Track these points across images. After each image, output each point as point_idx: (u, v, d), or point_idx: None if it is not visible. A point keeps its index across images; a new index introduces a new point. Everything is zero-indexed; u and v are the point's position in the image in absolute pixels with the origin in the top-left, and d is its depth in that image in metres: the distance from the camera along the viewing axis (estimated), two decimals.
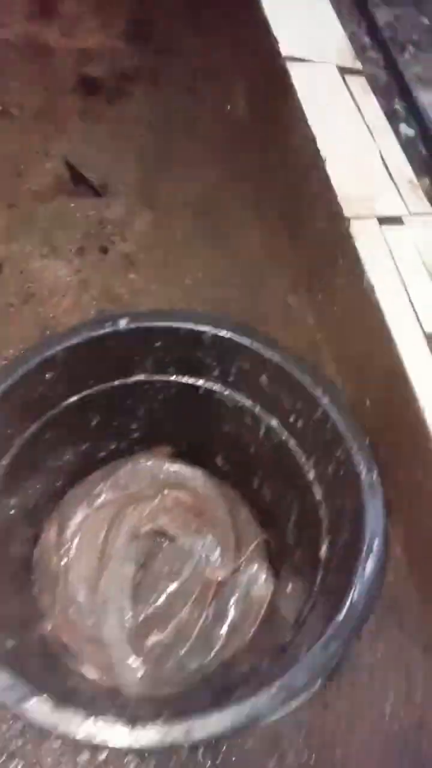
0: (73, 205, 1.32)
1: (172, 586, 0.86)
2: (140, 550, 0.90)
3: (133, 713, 0.57)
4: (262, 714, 0.53)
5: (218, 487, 0.95)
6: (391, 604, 0.97)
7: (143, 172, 1.39)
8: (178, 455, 0.97)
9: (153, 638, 0.84)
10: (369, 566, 0.58)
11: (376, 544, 0.59)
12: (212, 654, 0.84)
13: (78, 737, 0.49)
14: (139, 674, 0.80)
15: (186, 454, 0.97)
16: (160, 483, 0.95)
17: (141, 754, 0.84)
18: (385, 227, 1.06)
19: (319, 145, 1.10)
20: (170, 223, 1.33)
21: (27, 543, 0.90)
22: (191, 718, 0.52)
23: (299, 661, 0.54)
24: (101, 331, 0.71)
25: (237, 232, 1.34)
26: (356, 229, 1.04)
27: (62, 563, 0.87)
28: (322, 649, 0.55)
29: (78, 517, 0.90)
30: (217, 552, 0.89)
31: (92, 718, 0.51)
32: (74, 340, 0.70)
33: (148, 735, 0.51)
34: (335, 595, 0.60)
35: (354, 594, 0.57)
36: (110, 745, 0.49)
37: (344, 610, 0.57)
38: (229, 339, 0.71)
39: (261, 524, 0.94)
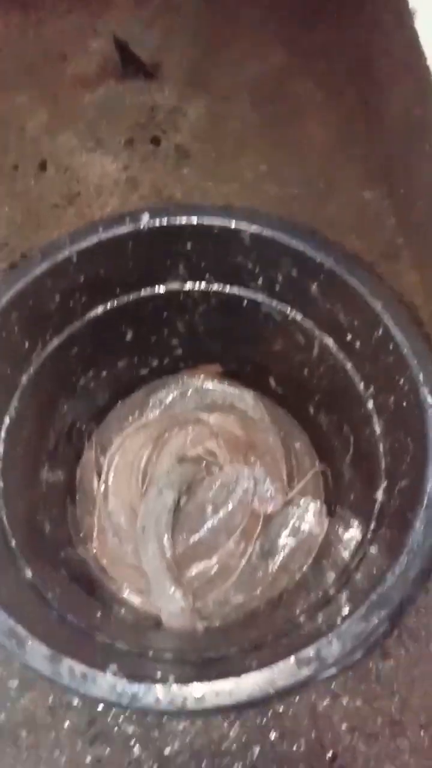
0: (122, 89, 1.17)
1: (217, 517, 0.79)
2: (183, 476, 0.83)
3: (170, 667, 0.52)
4: (291, 687, 0.45)
5: (271, 412, 0.85)
6: None
7: (199, 50, 1.21)
8: (228, 375, 0.87)
9: (194, 569, 0.78)
10: (428, 527, 0.47)
11: None
12: (258, 591, 0.77)
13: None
14: (180, 606, 0.75)
15: (236, 374, 0.87)
16: (207, 404, 0.86)
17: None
18: None
19: None
20: (229, 110, 1.16)
21: (69, 465, 0.85)
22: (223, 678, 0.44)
23: (334, 631, 0.45)
24: (120, 231, 0.60)
25: (305, 120, 1.15)
26: None
27: (102, 485, 0.82)
28: (360, 620, 0.45)
29: (119, 438, 0.84)
30: (267, 482, 0.80)
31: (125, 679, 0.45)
32: (89, 241, 0.59)
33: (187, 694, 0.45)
34: (387, 551, 0.50)
35: (406, 558, 0.46)
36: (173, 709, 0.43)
37: (394, 576, 0.46)
38: (271, 238, 0.58)
39: (318, 454, 0.84)
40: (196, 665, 0.51)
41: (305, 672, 0.45)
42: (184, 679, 0.46)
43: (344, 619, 0.46)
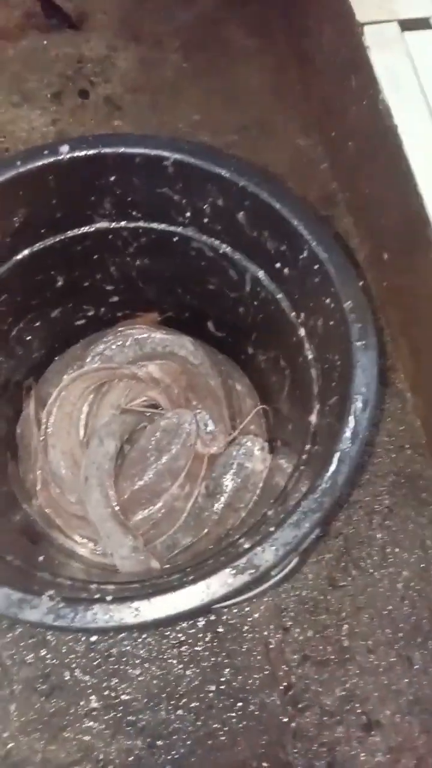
0: (46, 42, 1.14)
1: (161, 462, 0.79)
2: (125, 425, 0.82)
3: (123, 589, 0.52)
4: (226, 595, 0.46)
5: (211, 357, 0.85)
6: (405, 480, 0.89)
7: None
8: (166, 322, 0.87)
9: (140, 515, 0.78)
10: (355, 433, 0.48)
11: (364, 408, 0.48)
12: (205, 531, 0.78)
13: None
14: (130, 547, 0.75)
15: (174, 320, 0.86)
16: (146, 353, 0.85)
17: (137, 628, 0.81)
18: (407, 33, 0.86)
19: None
20: (160, 59, 1.14)
21: (9, 421, 0.83)
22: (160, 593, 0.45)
23: (267, 539, 0.46)
24: (39, 162, 0.58)
25: (238, 68, 1.15)
26: (371, 37, 0.85)
27: (41, 438, 0.80)
28: (293, 526, 0.46)
29: (58, 391, 0.82)
30: (210, 424, 0.81)
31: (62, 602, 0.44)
32: (7, 175, 0.57)
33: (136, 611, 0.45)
34: (318, 466, 0.50)
35: (336, 465, 0.47)
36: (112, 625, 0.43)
37: (323, 483, 0.47)
38: (195, 165, 0.58)
39: (258, 394, 0.85)
40: (137, 590, 0.51)
41: (241, 579, 0.45)
42: (120, 599, 0.46)
43: (276, 528, 0.46)
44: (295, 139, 1.09)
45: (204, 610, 0.45)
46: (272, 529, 0.47)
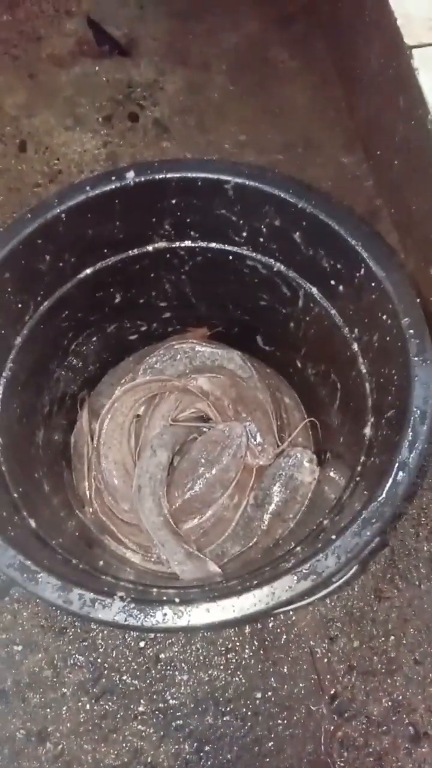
0: (97, 68, 1.19)
1: (211, 472, 0.81)
2: (176, 436, 0.85)
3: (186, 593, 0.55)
4: (291, 599, 0.47)
5: (259, 370, 0.87)
6: None
7: (174, 24, 1.23)
8: (216, 337, 0.89)
9: (190, 523, 0.80)
10: (413, 444, 0.49)
11: (422, 421, 0.50)
12: (254, 541, 0.80)
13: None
14: (179, 557, 0.77)
15: (224, 335, 0.89)
16: (197, 367, 0.88)
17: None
18: None
19: None
20: (206, 82, 1.18)
21: (65, 432, 0.86)
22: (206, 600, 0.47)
23: (329, 547, 0.48)
24: (107, 187, 0.61)
25: (282, 88, 1.18)
26: (419, 59, 0.86)
27: (94, 449, 0.83)
28: (354, 535, 0.48)
29: (110, 403, 0.85)
30: (258, 436, 0.83)
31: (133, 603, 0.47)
32: (76, 199, 0.61)
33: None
34: (377, 477, 0.52)
35: (394, 476, 0.49)
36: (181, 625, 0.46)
37: (384, 492, 0.49)
38: (254, 187, 0.61)
39: (306, 408, 0.87)
40: (200, 593, 0.54)
41: (303, 585, 0.47)
42: (188, 601, 0.48)
43: (338, 535, 0.48)
44: (339, 156, 1.12)
45: (268, 613, 0.47)
46: (333, 536, 0.49)
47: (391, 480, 0.49)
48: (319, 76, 1.18)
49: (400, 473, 0.50)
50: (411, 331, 0.54)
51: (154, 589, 0.58)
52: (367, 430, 0.61)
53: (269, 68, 1.20)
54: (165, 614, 0.47)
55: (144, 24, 1.22)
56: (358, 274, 0.59)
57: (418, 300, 0.55)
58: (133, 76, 1.18)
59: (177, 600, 0.48)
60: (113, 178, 0.62)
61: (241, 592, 0.48)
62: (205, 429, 0.86)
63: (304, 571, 0.48)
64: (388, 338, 0.57)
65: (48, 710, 0.81)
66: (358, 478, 0.59)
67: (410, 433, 0.50)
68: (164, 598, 0.49)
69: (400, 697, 0.80)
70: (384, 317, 0.57)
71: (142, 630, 0.46)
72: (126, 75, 1.18)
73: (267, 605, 0.47)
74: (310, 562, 0.48)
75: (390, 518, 0.49)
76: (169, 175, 0.62)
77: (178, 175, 0.62)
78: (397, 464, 0.50)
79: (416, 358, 0.53)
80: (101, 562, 0.66)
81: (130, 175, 0.61)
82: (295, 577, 0.47)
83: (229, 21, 1.22)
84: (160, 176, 0.62)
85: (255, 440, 0.83)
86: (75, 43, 1.21)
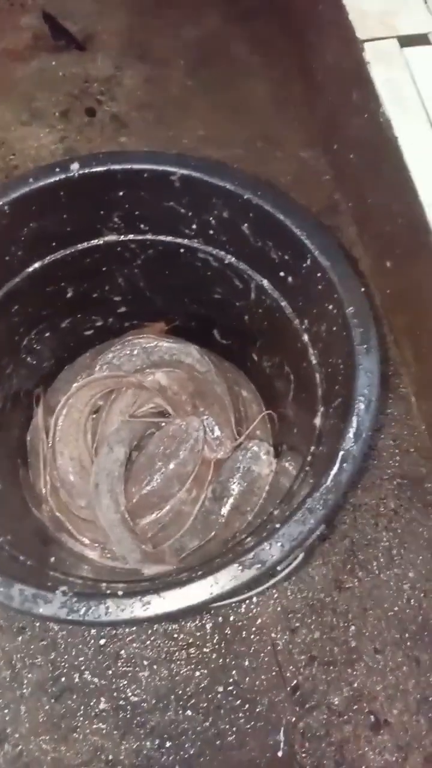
0: (54, 63, 1.17)
1: (169, 467, 0.81)
2: (133, 432, 0.84)
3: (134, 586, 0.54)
4: (235, 589, 0.47)
5: (217, 364, 0.87)
6: (410, 483, 0.90)
7: (132, 18, 1.22)
8: (173, 332, 0.89)
9: (148, 518, 0.80)
10: (358, 433, 0.50)
11: (367, 409, 0.50)
12: (212, 533, 0.80)
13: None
14: (136, 555, 0.76)
15: (181, 329, 0.88)
16: (154, 361, 0.87)
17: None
18: (407, 49, 0.88)
19: None
20: (165, 77, 1.18)
21: (20, 429, 0.85)
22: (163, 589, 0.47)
23: (273, 535, 0.48)
24: (51, 179, 0.61)
25: (241, 83, 1.18)
26: (371, 53, 0.87)
27: (50, 446, 0.82)
28: (298, 523, 0.48)
29: (65, 399, 0.84)
30: (216, 430, 0.83)
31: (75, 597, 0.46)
32: (20, 191, 0.60)
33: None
34: (323, 466, 0.52)
35: (339, 464, 0.49)
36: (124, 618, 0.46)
37: (328, 481, 0.49)
38: (200, 179, 0.60)
39: (264, 400, 0.87)
40: (147, 586, 0.53)
41: (248, 574, 0.47)
42: (131, 594, 0.47)
43: (282, 524, 0.48)
44: (299, 151, 1.12)
45: (212, 603, 0.47)
46: (278, 525, 0.49)
47: (335, 468, 0.50)
48: (280, 72, 1.18)
49: (345, 462, 0.50)
50: (355, 320, 0.54)
51: (104, 584, 0.57)
52: (317, 420, 0.61)
53: (230, 63, 1.20)
54: (108, 608, 0.46)
55: (101, 18, 1.21)
56: (304, 265, 0.59)
57: (363, 289, 0.55)
58: (90, 70, 1.17)
59: (120, 593, 0.47)
60: (57, 169, 0.61)
61: (185, 584, 0.47)
62: (162, 424, 0.86)
63: (248, 560, 0.48)
64: (334, 328, 0.57)
65: (6, 711, 0.80)
66: (307, 468, 0.59)
67: (354, 422, 0.51)
68: (108, 591, 0.49)
69: (361, 686, 0.81)
70: (330, 307, 0.57)
71: (85, 624, 0.46)
72: (83, 70, 1.17)
73: (211, 595, 0.46)
74: (254, 551, 0.48)
75: (334, 506, 0.49)
76: (114, 167, 0.61)
77: (123, 166, 0.61)
78: (342, 453, 0.50)
79: (360, 347, 0.53)
80: (53, 559, 0.66)
81: (75, 167, 0.61)
82: (240, 567, 0.47)
83: (189, 15, 1.22)
84: (105, 168, 0.61)
85: (213, 434, 0.83)
86: (31, 37, 1.19)
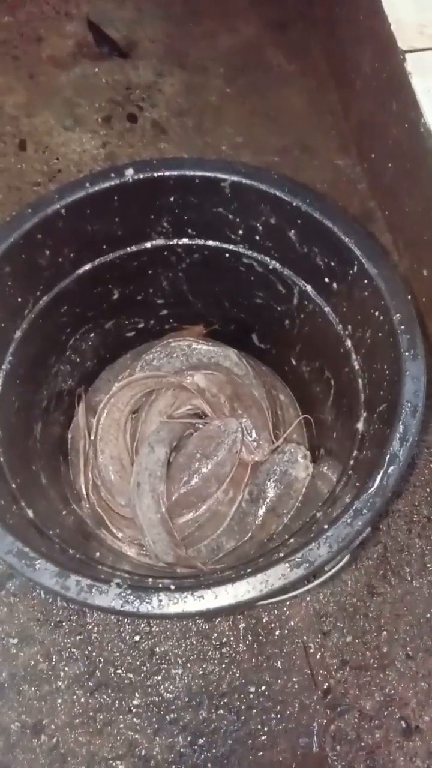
0: (97, 69, 1.20)
1: (207, 467, 0.82)
2: (173, 432, 0.86)
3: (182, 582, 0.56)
4: (284, 587, 0.48)
5: (255, 367, 0.89)
6: None
7: (172, 26, 1.24)
8: (212, 335, 0.90)
9: (185, 517, 0.81)
10: (404, 437, 0.51)
11: (413, 414, 0.51)
12: (248, 534, 0.81)
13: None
14: (170, 557, 0.78)
15: (220, 333, 0.90)
16: (193, 364, 0.89)
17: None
18: None
19: None
20: (203, 84, 1.20)
21: (62, 427, 0.87)
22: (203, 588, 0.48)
23: (321, 536, 0.49)
24: (106, 184, 0.62)
25: (279, 90, 1.19)
26: (412, 64, 0.88)
27: (90, 444, 0.84)
28: (346, 525, 0.49)
29: (107, 398, 0.86)
30: (254, 432, 0.84)
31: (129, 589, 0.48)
32: (76, 195, 0.62)
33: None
34: (368, 470, 0.53)
35: (385, 468, 0.50)
36: (176, 611, 0.47)
37: (374, 484, 0.50)
38: (250, 186, 0.62)
39: (300, 405, 0.88)
40: (196, 581, 0.55)
41: (296, 573, 0.48)
42: (183, 588, 0.49)
43: (330, 525, 0.49)
44: (334, 159, 1.13)
45: (262, 600, 0.48)
46: (325, 526, 0.50)
47: (382, 471, 0.51)
48: (315, 80, 1.20)
49: (392, 466, 0.51)
50: (402, 327, 0.55)
51: (150, 579, 0.59)
52: (360, 425, 0.62)
53: (266, 71, 1.21)
54: (161, 600, 0.48)
55: (142, 27, 1.23)
56: (351, 272, 0.60)
57: (409, 297, 0.56)
58: (131, 77, 1.19)
59: (173, 587, 0.48)
60: (112, 174, 0.63)
61: (235, 580, 0.49)
62: (200, 425, 0.87)
63: (297, 559, 0.49)
64: (380, 334, 0.58)
65: (43, 703, 0.82)
66: (350, 472, 0.60)
67: (401, 427, 0.51)
68: (160, 585, 0.50)
69: (392, 692, 0.81)
70: (376, 313, 0.58)
71: (138, 616, 0.47)
72: (125, 77, 1.19)
73: (260, 592, 0.48)
74: (303, 551, 0.49)
75: (381, 509, 0.50)
76: (167, 173, 0.63)
77: (176, 173, 0.63)
78: (388, 456, 0.51)
79: (407, 353, 0.54)
80: (98, 554, 0.67)
81: (129, 172, 0.63)
82: (288, 566, 0.48)
83: (226, 25, 1.24)
84: (159, 174, 0.63)
85: (250, 436, 0.84)
86: (75, 44, 1.22)
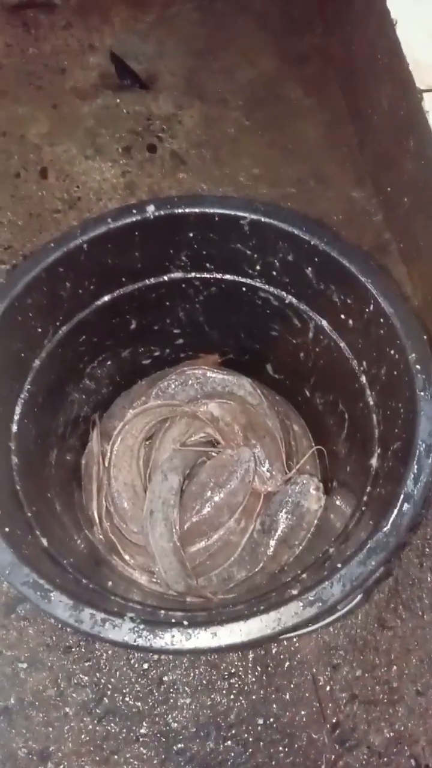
0: (118, 101, 1.23)
1: (219, 496, 0.83)
2: (186, 460, 0.86)
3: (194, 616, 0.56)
4: (296, 625, 0.49)
5: (269, 397, 0.89)
6: None
7: (193, 60, 1.27)
8: (227, 364, 0.92)
9: (197, 546, 0.82)
10: (418, 476, 0.51)
11: (427, 454, 0.52)
12: (260, 565, 0.81)
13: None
14: (180, 587, 0.78)
15: (234, 362, 0.91)
16: (207, 392, 0.90)
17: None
18: None
19: (389, 5, 0.95)
20: (222, 117, 1.22)
21: (77, 453, 0.88)
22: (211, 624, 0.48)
23: (334, 575, 0.49)
24: (127, 220, 0.64)
25: (296, 123, 1.22)
26: (430, 102, 0.90)
27: (104, 470, 0.85)
28: (359, 564, 0.49)
29: (121, 425, 0.87)
30: (267, 462, 0.84)
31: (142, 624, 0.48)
32: (98, 231, 0.64)
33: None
34: (382, 507, 0.54)
35: (399, 507, 0.51)
36: (189, 647, 0.48)
37: (389, 523, 0.50)
38: (269, 224, 0.63)
39: (314, 436, 0.89)
40: (208, 617, 0.55)
41: (309, 612, 0.48)
42: (196, 624, 0.49)
43: (344, 564, 0.50)
44: (349, 191, 1.15)
45: (274, 638, 0.48)
46: (339, 565, 0.50)
47: (396, 511, 0.51)
48: (331, 114, 1.22)
49: (405, 504, 0.51)
50: (417, 366, 0.55)
51: (162, 611, 0.59)
52: (374, 461, 0.63)
53: (283, 105, 1.24)
54: (173, 636, 0.48)
55: (164, 60, 1.26)
56: (367, 310, 0.61)
57: (425, 336, 0.57)
58: (152, 109, 1.22)
59: (185, 623, 0.49)
60: (134, 211, 0.64)
61: (248, 617, 0.49)
62: (213, 453, 0.88)
63: (310, 598, 0.49)
64: (395, 372, 0.59)
65: (50, 729, 0.82)
66: (363, 508, 0.60)
67: (415, 466, 0.52)
68: (173, 620, 0.50)
69: (402, 728, 0.81)
70: (392, 352, 0.59)
71: (151, 651, 0.47)
72: (145, 108, 1.22)
73: (273, 630, 0.48)
74: (316, 590, 0.49)
75: (394, 548, 0.50)
76: (187, 210, 0.64)
77: (196, 210, 0.64)
78: (402, 496, 0.51)
79: (422, 393, 0.55)
80: (110, 583, 0.68)
81: (151, 209, 0.64)
82: (301, 604, 0.49)
83: (244, 59, 1.27)
84: (179, 211, 0.64)
85: (263, 466, 0.84)
86: (97, 76, 1.25)
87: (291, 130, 1.21)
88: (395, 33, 0.92)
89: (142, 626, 0.49)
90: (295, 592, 0.51)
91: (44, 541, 0.62)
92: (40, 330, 0.69)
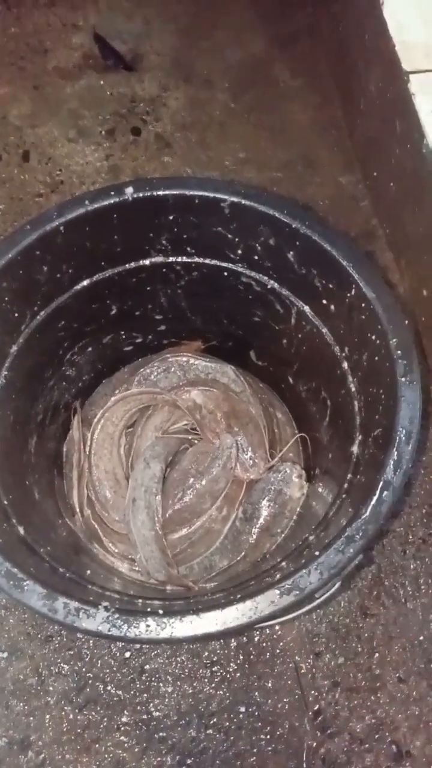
0: (102, 82, 1.20)
1: (201, 483, 0.82)
2: (168, 447, 0.85)
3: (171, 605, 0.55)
4: (273, 614, 0.48)
5: (252, 385, 0.88)
6: None
7: (179, 40, 1.24)
8: (210, 351, 0.90)
9: (179, 533, 0.81)
10: (398, 464, 0.50)
11: (407, 441, 0.51)
12: (242, 554, 0.80)
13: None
14: (161, 575, 0.77)
15: (218, 349, 0.90)
16: (190, 379, 0.89)
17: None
18: None
19: None
20: (208, 99, 1.20)
21: (58, 440, 0.87)
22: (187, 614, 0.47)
23: (312, 563, 0.48)
24: (106, 202, 0.62)
25: (284, 106, 1.20)
26: (416, 85, 0.88)
27: (86, 458, 0.84)
28: (337, 552, 0.48)
29: (102, 412, 0.86)
30: (249, 450, 0.83)
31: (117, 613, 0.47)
32: (75, 212, 0.62)
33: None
34: (362, 495, 0.53)
35: (378, 494, 0.50)
36: (164, 637, 0.47)
37: (368, 511, 0.50)
38: (250, 207, 0.62)
39: (297, 423, 0.88)
40: (185, 605, 0.54)
41: (286, 600, 0.48)
42: (172, 613, 0.48)
43: (321, 551, 0.49)
44: (337, 176, 1.13)
45: (250, 627, 0.48)
46: (317, 553, 0.49)
47: (375, 498, 0.50)
48: (320, 96, 1.20)
49: (385, 492, 0.50)
50: (399, 351, 0.55)
51: (140, 600, 0.58)
52: (355, 448, 0.62)
53: (271, 86, 1.22)
54: (148, 625, 0.47)
55: (149, 39, 1.24)
56: (349, 295, 0.60)
57: (407, 321, 0.56)
58: (136, 90, 1.20)
59: (161, 612, 0.48)
60: (112, 193, 0.63)
61: (224, 606, 0.48)
62: (196, 440, 0.87)
63: (287, 586, 0.48)
64: (376, 358, 0.58)
65: (31, 718, 0.81)
66: (344, 495, 0.60)
67: (395, 453, 0.51)
68: (148, 609, 0.50)
69: (383, 715, 0.81)
70: (373, 337, 0.58)
71: (125, 640, 0.47)
72: (130, 89, 1.20)
73: (250, 619, 0.47)
74: (293, 578, 0.48)
75: (373, 536, 0.50)
76: (167, 192, 0.63)
77: (176, 192, 0.63)
78: (381, 483, 0.51)
79: (403, 379, 0.54)
80: (88, 571, 0.67)
81: (129, 190, 0.63)
82: (278, 592, 0.48)
83: (233, 39, 1.24)
84: (158, 193, 0.63)
85: (246, 454, 0.83)
86: (81, 56, 1.23)
87: (279, 113, 1.19)
88: (382, 13, 0.90)
89: (116, 615, 0.48)
90: (272, 580, 0.50)
91: (20, 530, 0.61)
92: (17, 315, 0.67)
